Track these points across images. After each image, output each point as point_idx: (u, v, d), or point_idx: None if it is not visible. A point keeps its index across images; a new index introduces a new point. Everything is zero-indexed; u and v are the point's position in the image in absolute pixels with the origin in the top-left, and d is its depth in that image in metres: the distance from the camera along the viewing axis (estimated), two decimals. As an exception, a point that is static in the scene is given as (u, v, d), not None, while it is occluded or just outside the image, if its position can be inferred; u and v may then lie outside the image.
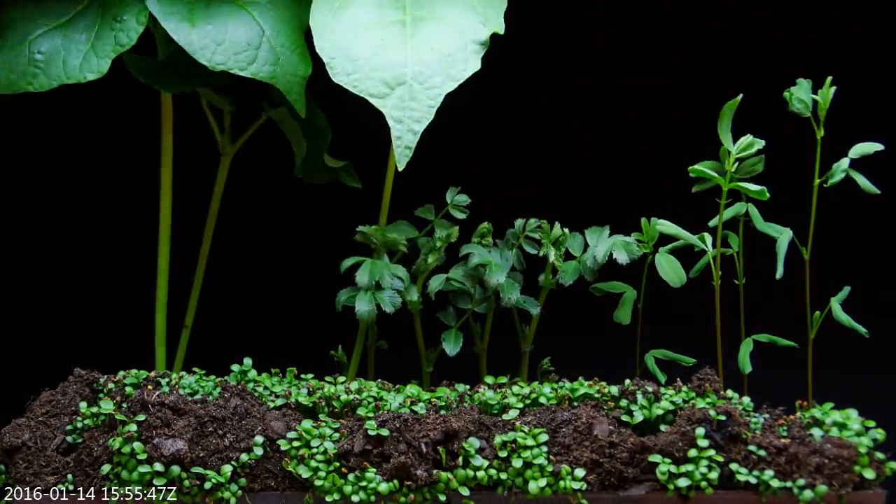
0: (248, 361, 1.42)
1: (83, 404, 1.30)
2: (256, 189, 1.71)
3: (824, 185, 1.37)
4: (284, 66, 1.39)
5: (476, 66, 1.32)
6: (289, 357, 1.45)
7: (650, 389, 1.32)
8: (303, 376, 1.43)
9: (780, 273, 1.38)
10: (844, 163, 1.36)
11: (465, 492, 1.23)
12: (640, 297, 1.44)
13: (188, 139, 1.55)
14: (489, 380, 1.40)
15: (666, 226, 1.38)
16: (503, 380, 1.40)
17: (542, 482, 1.24)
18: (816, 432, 1.28)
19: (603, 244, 1.42)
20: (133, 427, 1.24)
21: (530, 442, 1.26)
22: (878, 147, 1.36)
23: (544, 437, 1.26)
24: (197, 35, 1.37)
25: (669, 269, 1.39)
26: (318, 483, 1.23)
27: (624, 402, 1.31)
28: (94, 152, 1.72)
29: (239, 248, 1.68)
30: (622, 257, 1.40)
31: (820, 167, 1.38)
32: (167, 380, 1.36)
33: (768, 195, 1.33)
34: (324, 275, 1.51)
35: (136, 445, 1.22)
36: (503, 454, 1.25)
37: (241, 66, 1.37)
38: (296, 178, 1.54)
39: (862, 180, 1.36)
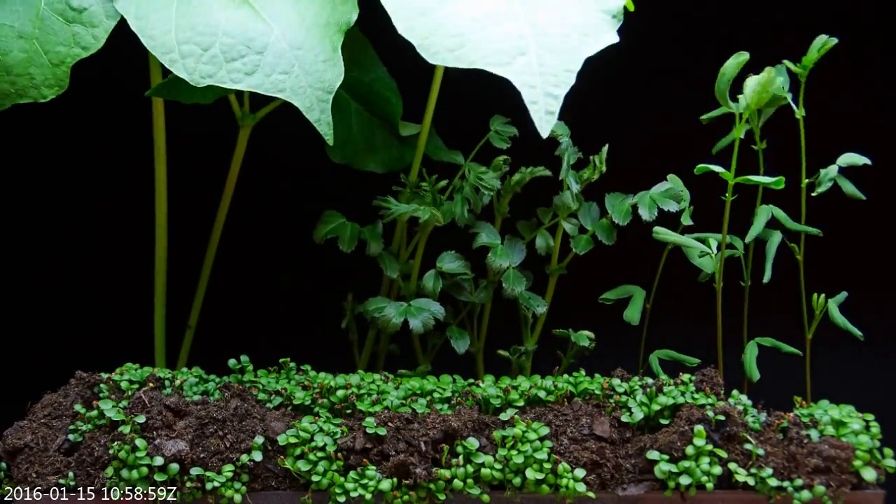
0: (244, 358, 1.40)
1: (84, 408, 1.29)
2: (265, 174, 1.64)
3: (811, 195, 1.37)
4: (301, 76, 1.11)
5: (613, 37, 1.15)
6: (295, 356, 1.42)
7: (651, 383, 1.32)
8: (302, 367, 1.40)
9: (768, 276, 1.38)
10: (833, 170, 1.37)
11: (475, 491, 1.24)
12: (650, 296, 1.43)
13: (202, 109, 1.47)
14: (489, 378, 1.39)
15: (663, 233, 1.37)
16: (506, 380, 1.38)
17: (541, 476, 1.24)
18: (814, 432, 1.29)
19: (644, 207, 1.38)
20: (134, 428, 1.24)
21: (532, 436, 1.26)
22: (866, 160, 1.37)
23: (545, 431, 1.26)
24: (175, 35, 1.08)
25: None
26: (318, 481, 1.24)
27: (624, 399, 1.31)
28: (95, 151, 1.70)
29: (244, 241, 1.65)
30: (673, 207, 1.38)
31: (814, 160, 1.38)
32: (168, 376, 1.35)
33: (784, 184, 1.31)
34: (332, 272, 1.49)
35: (138, 444, 1.23)
36: (503, 452, 1.25)
37: (237, 77, 1.09)
38: (307, 165, 1.48)
39: (848, 187, 1.37)
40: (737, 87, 1.32)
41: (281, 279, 1.71)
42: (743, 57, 1.30)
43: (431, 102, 1.43)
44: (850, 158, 1.37)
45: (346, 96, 1.44)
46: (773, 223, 1.40)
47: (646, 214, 1.38)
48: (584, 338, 1.44)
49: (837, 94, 1.50)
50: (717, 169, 1.33)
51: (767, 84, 1.28)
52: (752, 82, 1.29)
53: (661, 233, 1.37)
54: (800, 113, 1.37)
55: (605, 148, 1.41)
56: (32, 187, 1.71)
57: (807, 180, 1.38)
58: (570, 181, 1.41)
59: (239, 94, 1.40)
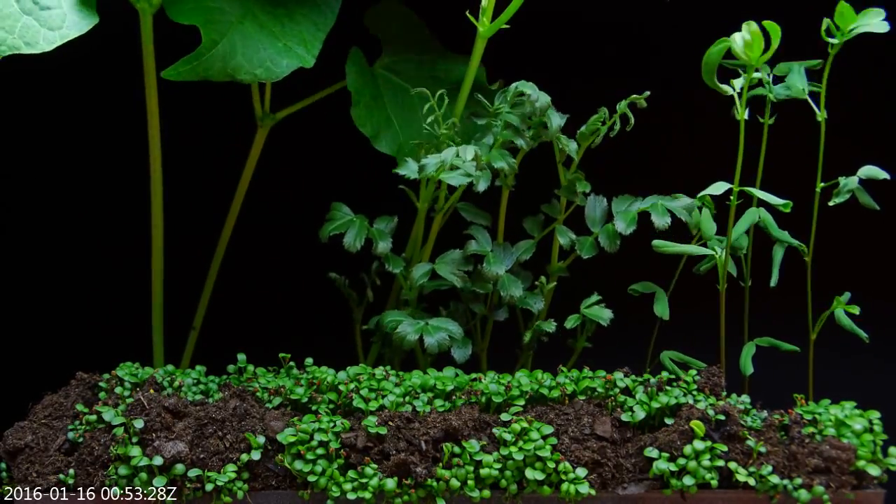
0: (242, 358, 1.39)
1: (86, 408, 1.29)
2: (277, 174, 1.62)
3: (829, 204, 1.37)
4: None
5: None
6: (301, 357, 1.40)
7: (652, 381, 1.32)
8: (304, 363, 1.38)
9: (774, 280, 1.38)
10: (853, 181, 1.36)
11: (475, 494, 1.23)
12: (669, 293, 1.42)
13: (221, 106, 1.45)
14: (491, 374, 1.38)
15: (663, 245, 1.35)
16: (507, 377, 1.38)
17: (542, 477, 1.24)
18: (815, 432, 1.29)
19: (657, 214, 1.35)
20: (133, 431, 1.24)
21: (535, 435, 1.26)
22: (885, 175, 1.36)
23: (549, 430, 1.26)
24: None
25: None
26: (319, 481, 1.24)
27: (622, 398, 1.31)
28: (96, 150, 1.69)
29: (251, 241, 1.63)
30: (685, 216, 1.35)
31: (826, 163, 1.37)
32: (168, 378, 1.35)
33: (790, 208, 1.31)
34: (342, 272, 1.48)
35: (137, 448, 1.23)
36: (504, 450, 1.25)
37: None
38: (320, 167, 1.46)
39: (865, 198, 1.37)
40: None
41: (288, 280, 1.70)
42: (724, 43, 1.26)
43: (479, 46, 1.35)
44: (871, 171, 1.36)
45: (403, 84, 1.43)
46: (788, 221, 1.39)
47: (659, 222, 1.35)
48: (600, 313, 1.39)
49: (857, 95, 1.49)
50: (720, 189, 1.32)
51: (755, 32, 1.24)
52: (740, 38, 1.25)
53: (662, 245, 1.35)
54: (821, 115, 1.36)
55: (635, 97, 1.34)
56: (33, 186, 1.71)
57: (822, 184, 1.37)
58: (568, 143, 1.34)
59: (261, 93, 1.38)
